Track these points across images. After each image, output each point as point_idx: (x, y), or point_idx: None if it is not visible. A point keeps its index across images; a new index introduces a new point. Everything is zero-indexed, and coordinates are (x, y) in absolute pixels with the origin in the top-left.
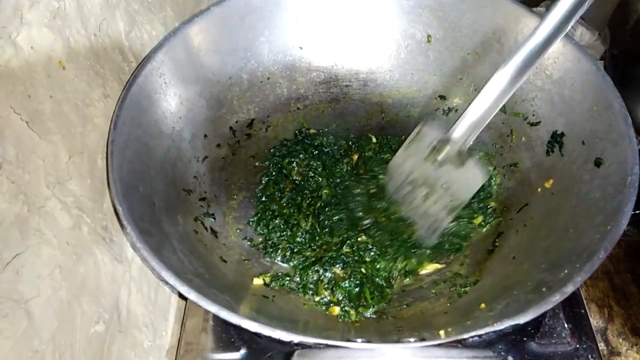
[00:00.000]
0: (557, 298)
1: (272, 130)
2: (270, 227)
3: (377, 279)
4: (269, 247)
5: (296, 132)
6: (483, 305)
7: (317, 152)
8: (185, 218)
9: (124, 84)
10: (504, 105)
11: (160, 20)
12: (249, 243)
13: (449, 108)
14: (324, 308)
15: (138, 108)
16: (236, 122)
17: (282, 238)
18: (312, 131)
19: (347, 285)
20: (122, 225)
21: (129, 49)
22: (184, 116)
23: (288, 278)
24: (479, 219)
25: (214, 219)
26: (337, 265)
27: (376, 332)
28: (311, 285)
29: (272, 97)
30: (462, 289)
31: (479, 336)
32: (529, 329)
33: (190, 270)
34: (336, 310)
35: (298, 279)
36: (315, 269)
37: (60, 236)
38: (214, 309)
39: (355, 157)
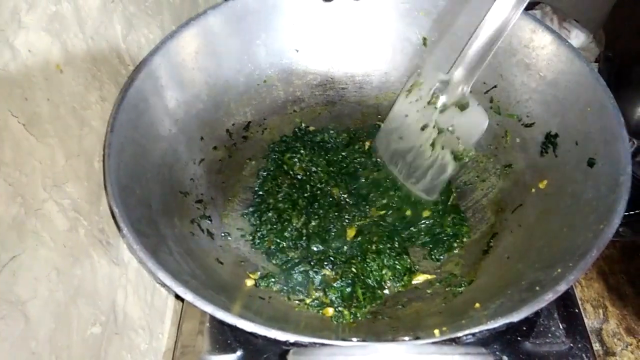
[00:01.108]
0: (550, 296)
1: (268, 133)
2: (263, 219)
3: (369, 280)
4: (257, 238)
5: (295, 129)
6: (478, 304)
7: (318, 148)
8: (181, 220)
9: (121, 87)
10: (498, 107)
11: (157, 23)
12: (241, 232)
13: None
14: (316, 310)
15: (135, 111)
16: (233, 124)
17: (271, 231)
18: (311, 128)
19: (339, 285)
20: (119, 227)
21: (126, 53)
22: (180, 119)
23: (273, 279)
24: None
25: (210, 221)
26: (327, 267)
27: (371, 332)
28: (300, 288)
29: (269, 99)
30: (457, 289)
31: (474, 334)
32: (524, 328)
33: (187, 272)
34: (330, 311)
35: (283, 280)
36: (301, 269)
37: (57, 238)
38: (210, 309)
39: (368, 143)
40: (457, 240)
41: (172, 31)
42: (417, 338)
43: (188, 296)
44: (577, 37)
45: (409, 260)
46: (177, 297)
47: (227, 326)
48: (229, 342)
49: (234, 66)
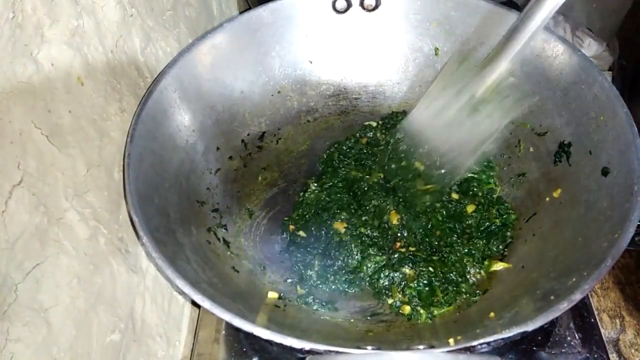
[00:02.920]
0: (565, 306)
1: (282, 143)
2: None
3: (451, 275)
4: None
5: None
6: (492, 314)
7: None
8: (198, 229)
9: (139, 99)
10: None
11: (174, 36)
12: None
13: None
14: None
15: (153, 122)
16: (248, 134)
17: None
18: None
19: (416, 285)
20: (138, 236)
21: (144, 65)
22: (197, 129)
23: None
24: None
25: (226, 229)
26: (406, 265)
27: (386, 340)
28: (386, 291)
29: (283, 110)
30: (472, 298)
31: (488, 344)
32: (539, 338)
33: (204, 280)
34: (407, 309)
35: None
36: (386, 273)
37: (78, 247)
38: (227, 317)
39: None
40: (509, 230)
41: (189, 44)
42: (432, 347)
43: (206, 304)
44: (590, 46)
45: (478, 245)
46: (194, 304)
47: (242, 334)
48: (244, 350)
49: (249, 77)
